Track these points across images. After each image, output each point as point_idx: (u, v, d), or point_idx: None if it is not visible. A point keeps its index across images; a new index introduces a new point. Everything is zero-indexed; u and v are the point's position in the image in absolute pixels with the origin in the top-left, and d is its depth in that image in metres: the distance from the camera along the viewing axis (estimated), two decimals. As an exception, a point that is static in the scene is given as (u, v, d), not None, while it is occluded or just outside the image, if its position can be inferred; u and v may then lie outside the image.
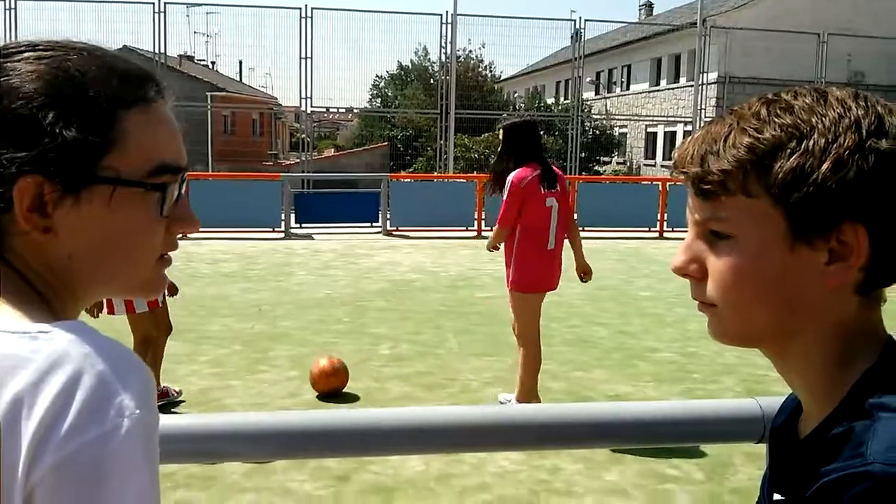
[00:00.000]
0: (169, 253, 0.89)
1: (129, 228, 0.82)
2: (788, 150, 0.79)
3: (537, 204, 4.94)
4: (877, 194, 0.77)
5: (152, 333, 5.17)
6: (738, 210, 0.81)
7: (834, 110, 0.80)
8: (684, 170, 0.86)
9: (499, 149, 5.18)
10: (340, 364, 5.65)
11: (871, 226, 0.78)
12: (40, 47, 0.81)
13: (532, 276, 5.00)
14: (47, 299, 0.80)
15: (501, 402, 5.34)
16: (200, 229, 0.88)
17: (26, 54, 0.80)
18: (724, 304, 0.85)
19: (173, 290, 5.34)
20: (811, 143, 0.78)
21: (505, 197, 4.94)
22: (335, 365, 5.62)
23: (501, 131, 5.15)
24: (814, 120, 0.80)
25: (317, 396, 5.53)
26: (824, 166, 0.77)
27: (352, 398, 5.56)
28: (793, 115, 0.80)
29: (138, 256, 0.85)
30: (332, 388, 5.57)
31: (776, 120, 0.81)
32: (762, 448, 1.67)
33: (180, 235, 0.89)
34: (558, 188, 5.05)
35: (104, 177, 0.79)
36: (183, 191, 0.88)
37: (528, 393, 5.07)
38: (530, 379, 5.07)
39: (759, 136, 0.80)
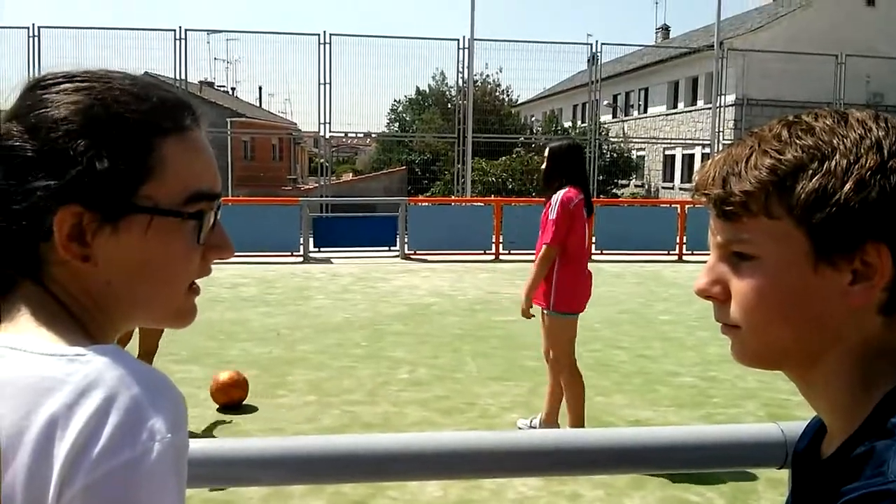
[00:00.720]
0: (196, 281, 0.89)
1: (166, 256, 0.83)
2: (810, 171, 0.79)
3: (581, 227, 4.97)
4: None
5: (155, 348, 5.25)
6: (760, 231, 0.81)
7: (855, 131, 0.80)
8: (706, 192, 0.86)
9: (544, 170, 5.14)
10: (240, 377, 5.92)
11: (895, 245, 0.78)
12: (78, 78, 0.82)
13: (574, 296, 4.97)
14: (84, 324, 0.81)
15: (520, 428, 5.31)
16: None
17: (64, 85, 0.81)
18: (748, 325, 0.85)
19: None
20: (833, 163, 0.78)
21: (554, 217, 4.87)
22: (235, 378, 5.86)
23: (548, 152, 5.11)
24: (835, 141, 0.80)
25: (217, 409, 5.73)
26: (846, 187, 0.77)
27: (371, 423, 5.54)
28: (814, 137, 0.81)
29: (175, 284, 0.86)
30: (230, 399, 5.81)
31: (797, 141, 0.81)
32: (784, 474, 1.64)
33: (215, 262, 0.90)
34: (592, 216, 5.11)
35: (142, 206, 0.80)
36: (219, 217, 0.89)
37: (578, 420, 4.98)
38: (580, 405, 4.99)
39: (781, 157, 0.81)
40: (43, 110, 0.79)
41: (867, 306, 0.81)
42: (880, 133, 0.80)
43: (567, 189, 4.91)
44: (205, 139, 0.88)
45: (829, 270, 0.79)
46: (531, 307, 5.02)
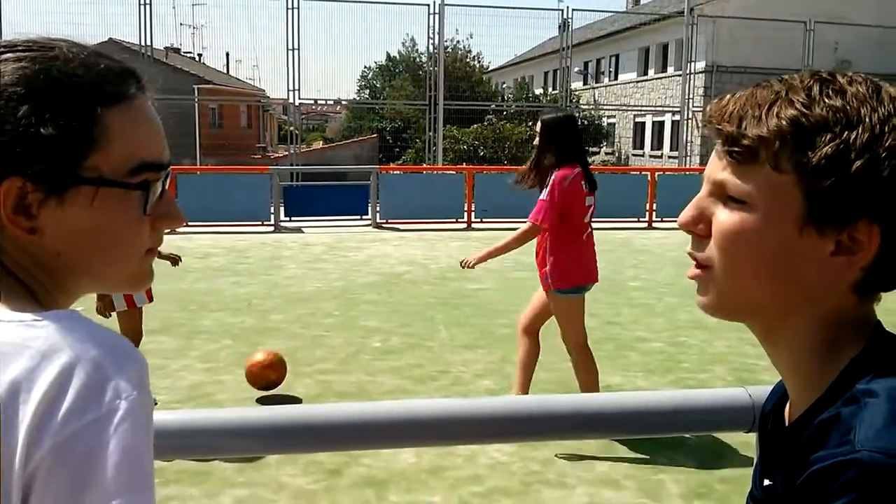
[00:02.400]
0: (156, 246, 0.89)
1: (113, 227, 0.82)
2: (830, 135, 0.78)
3: (578, 203, 4.68)
4: None
5: (140, 331, 5.14)
6: (760, 179, 0.80)
7: (885, 107, 0.79)
8: (719, 126, 0.83)
9: (536, 142, 4.79)
10: (277, 357, 5.48)
11: (887, 228, 0.78)
12: (19, 47, 0.80)
13: (571, 271, 4.73)
14: (36, 294, 0.81)
15: None
16: (189, 224, 0.89)
17: (6, 55, 0.79)
18: (720, 266, 0.84)
19: (176, 261, 5.34)
20: (854, 134, 0.77)
21: (545, 196, 4.59)
22: (272, 358, 5.45)
23: (540, 125, 4.77)
24: (863, 111, 0.78)
25: (257, 398, 5.38)
26: (860, 161, 0.76)
27: (344, 392, 5.56)
28: (844, 101, 0.79)
29: (124, 254, 0.85)
30: (267, 381, 5.41)
31: (827, 100, 0.79)
32: (752, 437, 1.68)
33: (166, 231, 0.90)
34: (596, 191, 4.81)
35: (87, 177, 0.79)
36: (167, 186, 0.88)
37: None
38: (594, 385, 4.81)
39: (807, 112, 0.79)
40: None
41: (843, 280, 0.81)
42: None
43: (560, 168, 4.61)
44: (151, 107, 0.87)
45: (814, 236, 0.79)
46: (470, 263, 4.83)
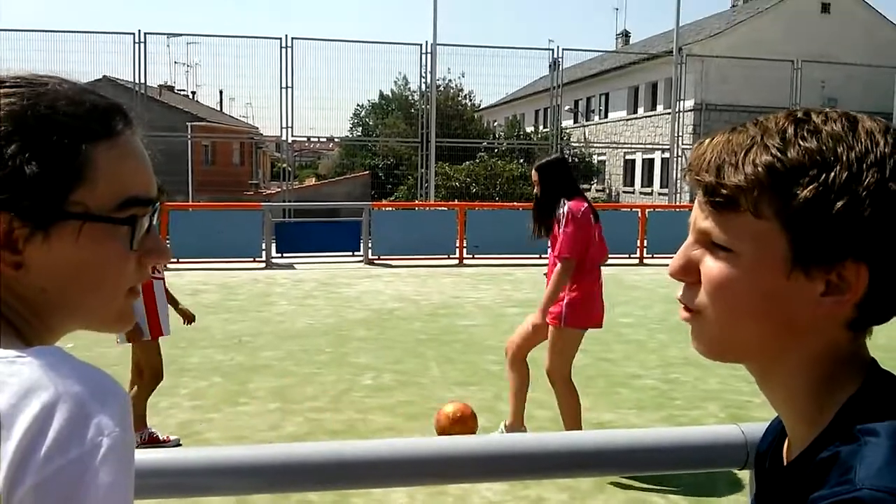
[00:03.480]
0: (138, 285, 0.88)
1: (99, 263, 0.82)
2: (808, 178, 0.77)
3: (592, 237, 4.80)
4: (887, 238, 0.76)
5: (160, 365, 5.21)
6: (743, 227, 0.80)
7: (861, 143, 0.78)
8: (698, 177, 0.84)
9: (537, 190, 4.93)
10: (469, 411, 5.20)
11: (875, 267, 0.77)
12: (7, 84, 0.81)
13: (586, 311, 4.81)
14: (20, 331, 0.80)
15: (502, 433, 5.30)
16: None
17: None
18: (712, 312, 0.84)
19: (191, 319, 5.63)
20: (832, 175, 0.76)
21: (567, 228, 4.67)
22: (464, 412, 5.18)
23: (537, 172, 4.92)
24: (839, 150, 0.78)
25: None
26: (840, 202, 0.75)
27: (335, 430, 5.51)
28: (819, 141, 0.78)
29: (110, 289, 0.85)
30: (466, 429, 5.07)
31: (801, 143, 0.79)
32: (746, 475, 1.67)
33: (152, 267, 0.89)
34: (599, 222, 4.96)
35: (73, 212, 0.79)
36: (154, 222, 0.88)
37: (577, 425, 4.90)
38: (577, 416, 4.89)
39: (781, 156, 0.78)
40: None
41: (835, 319, 0.81)
42: (886, 150, 0.78)
43: (570, 202, 4.75)
44: (139, 143, 0.87)
45: (802, 278, 0.79)
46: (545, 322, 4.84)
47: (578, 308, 4.77)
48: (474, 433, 5.07)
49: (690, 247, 0.86)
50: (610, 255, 5.36)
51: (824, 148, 0.78)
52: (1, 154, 0.76)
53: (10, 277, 0.78)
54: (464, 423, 5.08)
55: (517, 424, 5.19)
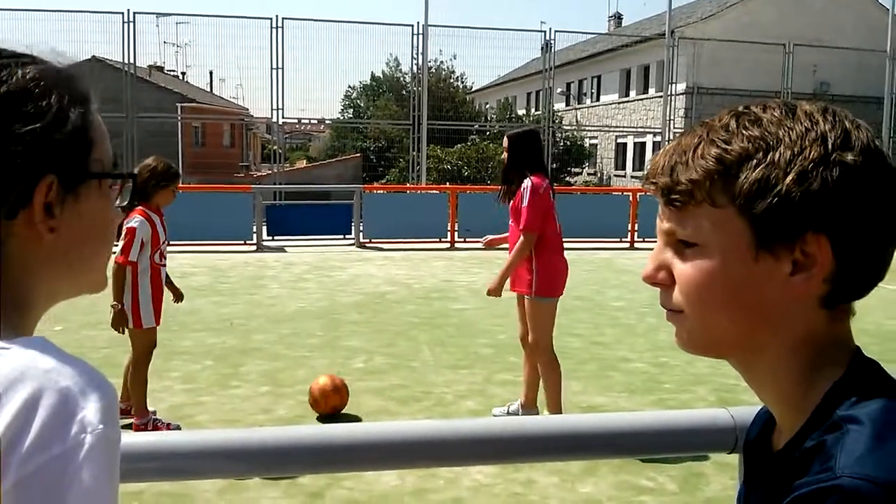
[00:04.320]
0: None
1: (107, 218, 0.87)
2: (754, 162, 0.80)
3: (553, 212, 5.01)
4: (840, 206, 0.79)
5: (151, 348, 5.20)
6: (704, 219, 0.83)
7: (801, 124, 0.81)
8: (654, 180, 0.87)
9: (505, 156, 5.11)
10: (341, 382, 5.50)
11: (835, 237, 0.79)
12: (12, 53, 0.83)
13: (557, 280, 5.03)
14: (5, 313, 0.79)
15: (496, 416, 5.34)
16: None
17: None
18: (689, 310, 0.86)
19: (181, 297, 5.69)
20: (777, 154, 0.80)
21: (526, 203, 4.88)
22: (336, 383, 5.46)
23: (507, 140, 5.10)
24: (781, 133, 0.81)
25: (317, 418, 5.36)
26: (789, 178, 0.78)
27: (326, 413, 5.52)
28: (761, 128, 0.82)
29: (106, 246, 0.89)
30: (332, 406, 5.39)
31: (744, 132, 0.82)
32: (734, 458, 1.68)
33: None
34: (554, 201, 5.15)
35: (95, 171, 0.83)
36: None
37: (558, 405, 5.04)
38: (558, 389, 5.06)
39: (727, 147, 0.82)
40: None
41: (809, 298, 0.82)
42: (826, 126, 0.81)
43: (533, 176, 4.94)
44: None
45: (769, 260, 0.81)
46: (499, 292, 5.03)
47: (546, 278, 4.98)
48: (346, 403, 5.43)
49: (660, 251, 0.89)
50: (601, 239, 5.51)
51: (767, 133, 0.82)
52: (39, 119, 0.77)
53: (47, 241, 0.80)
54: (337, 392, 5.42)
55: (530, 406, 5.33)
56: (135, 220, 4.89)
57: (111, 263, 4.64)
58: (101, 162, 0.84)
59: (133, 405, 5.09)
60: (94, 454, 0.68)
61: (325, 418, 5.33)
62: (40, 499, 0.66)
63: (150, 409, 5.18)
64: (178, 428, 5.22)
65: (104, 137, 0.86)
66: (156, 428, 5.04)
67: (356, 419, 5.32)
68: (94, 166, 0.83)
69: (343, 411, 5.48)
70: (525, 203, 4.88)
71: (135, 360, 5.13)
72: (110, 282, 1.00)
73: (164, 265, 5.25)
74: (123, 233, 4.84)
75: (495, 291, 5.03)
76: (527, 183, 4.91)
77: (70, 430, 0.68)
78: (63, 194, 0.79)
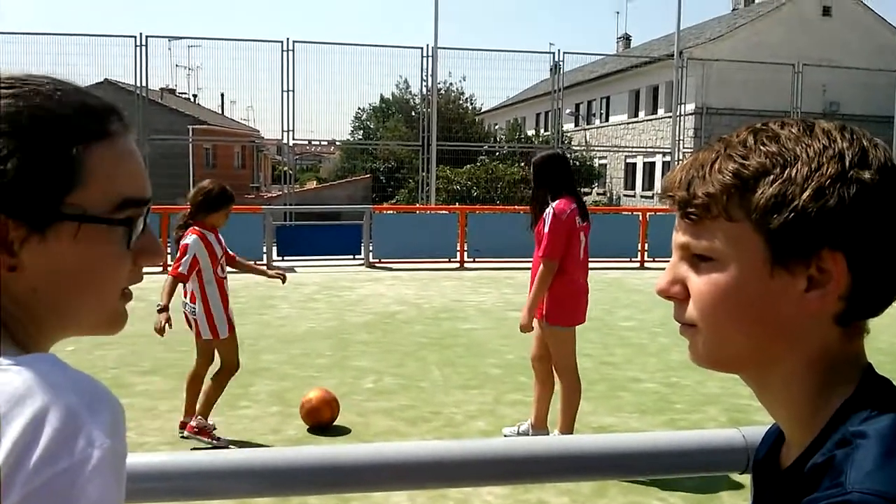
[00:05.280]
0: (130, 287, 0.89)
1: (95, 264, 0.82)
2: (772, 177, 0.80)
3: (576, 239, 4.93)
4: (856, 223, 0.78)
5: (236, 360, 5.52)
6: (720, 233, 0.83)
7: (819, 141, 0.82)
8: (671, 194, 0.87)
9: (532, 184, 5.14)
10: (330, 395, 5.65)
11: (850, 254, 0.79)
12: (3, 84, 0.80)
13: (567, 310, 4.96)
14: (13, 333, 0.79)
15: (506, 436, 5.31)
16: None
17: None
18: (704, 324, 0.86)
19: (284, 278, 6.30)
20: (794, 171, 0.80)
21: (548, 230, 4.83)
22: (324, 397, 5.60)
23: (532, 166, 5.11)
24: (798, 149, 0.81)
25: (308, 430, 5.46)
26: (805, 194, 0.78)
27: (335, 433, 5.51)
28: (778, 144, 0.82)
29: (105, 291, 0.85)
30: (321, 419, 5.53)
31: (762, 148, 0.82)
32: (747, 478, 1.67)
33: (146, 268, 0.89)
34: (589, 221, 5.08)
35: (70, 214, 0.79)
36: (148, 221, 0.88)
37: (570, 427, 5.03)
38: (573, 412, 5.05)
39: (745, 162, 0.82)
40: None
41: (823, 315, 0.82)
42: (844, 144, 0.81)
43: (558, 201, 4.88)
44: (133, 144, 0.87)
45: (785, 276, 0.81)
46: (530, 327, 5.00)
47: (558, 306, 4.93)
48: (337, 415, 5.56)
49: (675, 265, 0.88)
50: (611, 259, 5.49)
51: (784, 149, 0.82)
52: None
53: (6, 279, 0.78)
54: (328, 404, 5.56)
55: (540, 426, 5.28)
56: (189, 238, 5.25)
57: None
58: (82, 205, 0.79)
59: (200, 410, 5.30)
60: (101, 468, 0.68)
61: (314, 426, 5.51)
62: None
63: (210, 421, 5.35)
64: (226, 446, 5.28)
65: (109, 178, 0.82)
66: (208, 434, 5.22)
67: (365, 440, 5.30)
68: (71, 209, 0.78)
69: (352, 433, 5.46)
70: (546, 229, 4.84)
71: (219, 369, 5.46)
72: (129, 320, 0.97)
73: (226, 277, 5.56)
74: (179, 248, 5.28)
75: (526, 327, 5.00)
76: (549, 209, 4.87)
77: (77, 445, 0.68)
78: (26, 234, 0.77)
